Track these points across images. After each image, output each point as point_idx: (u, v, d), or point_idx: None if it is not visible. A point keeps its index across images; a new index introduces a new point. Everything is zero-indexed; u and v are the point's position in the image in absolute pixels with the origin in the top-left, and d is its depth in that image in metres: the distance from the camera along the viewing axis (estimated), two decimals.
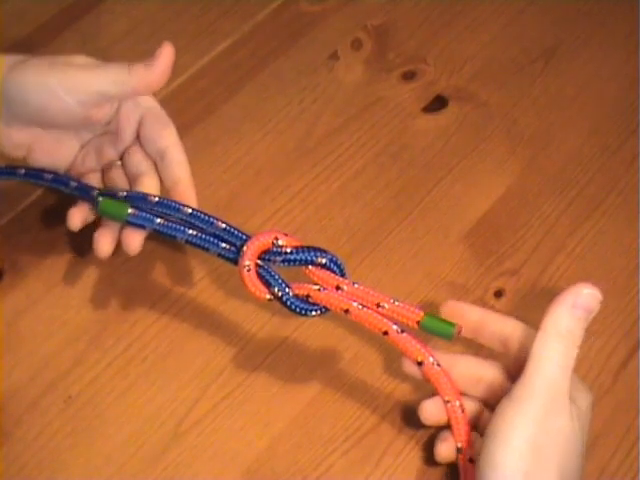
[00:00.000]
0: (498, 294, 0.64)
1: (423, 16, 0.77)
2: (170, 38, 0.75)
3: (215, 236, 0.55)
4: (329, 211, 0.67)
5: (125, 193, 0.57)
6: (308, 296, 0.54)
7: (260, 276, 0.54)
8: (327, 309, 0.54)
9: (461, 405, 0.53)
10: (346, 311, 0.53)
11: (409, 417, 0.58)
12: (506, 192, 0.68)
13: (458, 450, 0.53)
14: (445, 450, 0.54)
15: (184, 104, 0.71)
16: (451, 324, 0.53)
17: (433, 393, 0.55)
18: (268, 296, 0.54)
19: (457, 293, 0.63)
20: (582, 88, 0.74)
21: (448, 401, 0.53)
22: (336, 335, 0.61)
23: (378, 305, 0.53)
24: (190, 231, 0.56)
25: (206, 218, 0.55)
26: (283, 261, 0.54)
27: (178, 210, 0.56)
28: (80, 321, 0.62)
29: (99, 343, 0.61)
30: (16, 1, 0.76)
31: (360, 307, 0.53)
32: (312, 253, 0.54)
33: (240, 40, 0.76)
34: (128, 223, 0.56)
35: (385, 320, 0.53)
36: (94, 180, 0.60)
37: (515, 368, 0.52)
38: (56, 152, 0.59)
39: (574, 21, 0.77)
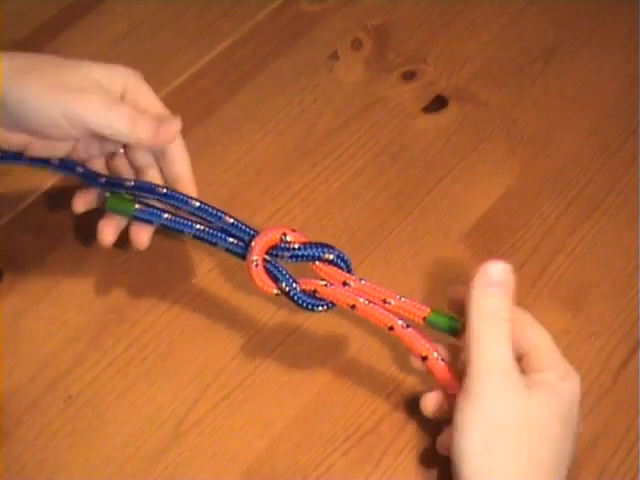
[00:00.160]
0: None
1: (423, 16, 0.77)
2: (170, 38, 0.75)
3: (223, 231, 0.55)
4: (329, 211, 0.67)
5: (132, 183, 0.57)
6: (315, 291, 0.54)
7: (268, 271, 0.54)
8: (334, 304, 0.54)
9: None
10: (352, 307, 0.54)
11: (409, 417, 0.58)
12: (506, 192, 0.68)
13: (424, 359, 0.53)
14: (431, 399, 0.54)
15: (184, 104, 0.71)
16: (457, 320, 0.53)
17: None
18: (275, 291, 0.55)
19: None
20: (582, 88, 0.74)
21: (451, 395, 0.54)
22: (336, 336, 0.62)
23: (384, 301, 0.53)
24: (197, 226, 0.56)
25: (214, 212, 0.55)
26: (291, 257, 0.54)
27: (186, 203, 0.56)
28: (80, 321, 0.62)
29: (99, 343, 0.61)
30: (16, 1, 0.76)
31: (366, 303, 0.53)
32: (319, 249, 0.54)
33: (240, 40, 0.76)
34: (135, 218, 0.56)
35: (391, 315, 0.53)
36: (98, 166, 0.60)
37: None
38: (53, 147, 0.58)
39: (574, 21, 0.77)
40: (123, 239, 0.59)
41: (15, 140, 0.57)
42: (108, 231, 0.58)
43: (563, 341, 0.62)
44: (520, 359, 0.51)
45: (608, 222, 0.67)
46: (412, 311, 0.53)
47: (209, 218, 0.56)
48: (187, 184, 0.58)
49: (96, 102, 0.54)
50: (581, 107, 0.73)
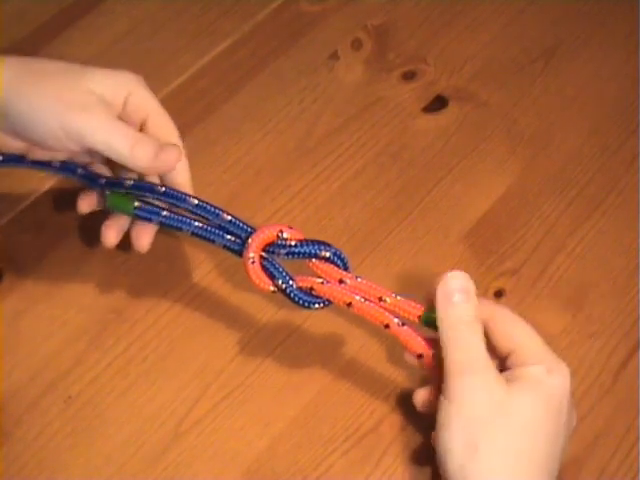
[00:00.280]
0: (498, 294, 0.64)
1: (423, 16, 0.77)
2: (170, 38, 0.75)
3: (221, 228, 0.56)
4: (329, 211, 0.67)
5: (132, 182, 0.57)
6: (311, 289, 0.54)
7: (264, 268, 0.55)
8: (330, 302, 0.54)
9: None
10: (349, 304, 0.54)
11: (409, 417, 0.58)
12: (506, 192, 0.68)
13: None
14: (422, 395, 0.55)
15: (184, 104, 0.71)
16: None
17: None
18: (272, 288, 0.55)
19: None
20: (582, 88, 0.74)
21: None
22: (336, 336, 0.62)
23: (380, 299, 0.54)
24: (196, 223, 0.56)
25: (212, 209, 0.56)
26: (287, 254, 0.54)
27: (184, 201, 0.56)
28: (80, 321, 0.62)
29: (99, 343, 0.61)
30: (16, 1, 0.76)
31: (362, 300, 0.53)
32: (316, 246, 0.54)
33: (240, 40, 0.76)
34: (135, 216, 0.57)
35: (387, 313, 0.53)
36: (102, 168, 0.60)
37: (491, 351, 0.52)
38: (54, 154, 0.58)
39: (574, 21, 0.77)
40: (123, 240, 0.59)
41: (15, 145, 0.57)
42: (111, 233, 0.58)
43: (563, 341, 0.62)
44: (507, 356, 0.52)
45: (608, 222, 0.67)
46: (407, 309, 0.53)
47: (207, 216, 0.56)
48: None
49: (97, 120, 0.54)
50: (581, 107, 0.73)
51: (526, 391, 0.50)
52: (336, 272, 0.54)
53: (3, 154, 0.58)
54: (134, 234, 0.58)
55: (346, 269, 0.54)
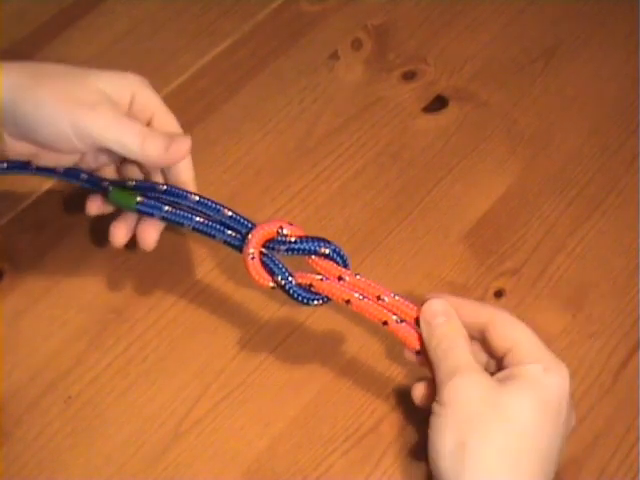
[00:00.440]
0: (498, 294, 0.64)
1: (423, 16, 0.77)
2: (170, 38, 0.75)
3: (221, 223, 0.56)
4: (329, 211, 0.67)
5: (134, 183, 0.58)
6: (311, 285, 0.54)
7: (264, 264, 0.55)
8: (329, 299, 0.55)
9: None
10: (347, 301, 0.54)
11: (409, 417, 0.58)
12: (506, 192, 0.68)
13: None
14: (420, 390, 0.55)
15: (184, 104, 0.71)
16: None
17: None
18: (271, 284, 0.55)
19: (457, 293, 0.62)
20: (582, 88, 0.74)
21: None
22: (336, 335, 0.62)
23: (378, 297, 0.54)
24: (197, 218, 0.56)
25: (213, 205, 0.56)
26: (287, 250, 0.54)
27: (186, 198, 0.57)
28: (80, 321, 0.62)
29: (99, 343, 0.61)
30: (16, 1, 0.76)
31: (361, 298, 0.53)
32: (316, 243, 0.54)
33: (240, 40, 0.76)
34: (137, 211, 0.57)
35: (385, 310, 0.53)
36: (109, 173, 0.61)
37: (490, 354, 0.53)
38: (60, 159, 0.59)
39: (574, 21, 0.77)
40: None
41: (21, 150, 0.57)
42: (120, 232, 0.58)
43: (563, 341, 0.62)
44: (504, 356, 0.51)
45: (608, 222, 0.67)
46: (404, 310, 0.53)
47: (208, 212, 0.56)
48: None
49: (106, 118, 0.54)
50: (581, 107, 0.73)
51: (521, 389, 0.50)
52: (335, 269, 0.54)
53: (8, 161, 0.58)
54: (140, 232, 0.58)
55: (345, 266, 0.55)
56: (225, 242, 0.56)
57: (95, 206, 0.59)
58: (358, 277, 0.54)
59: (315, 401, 0.59)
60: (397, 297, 0.54)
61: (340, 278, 0.54)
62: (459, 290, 0.63)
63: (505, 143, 0.71)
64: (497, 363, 0.53)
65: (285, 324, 0.62)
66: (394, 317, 0.53)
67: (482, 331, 0.52)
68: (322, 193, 0.68)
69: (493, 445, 0.48)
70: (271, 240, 0.55)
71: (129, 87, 0.57)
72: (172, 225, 0.58)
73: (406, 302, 0.54)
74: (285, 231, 0.54)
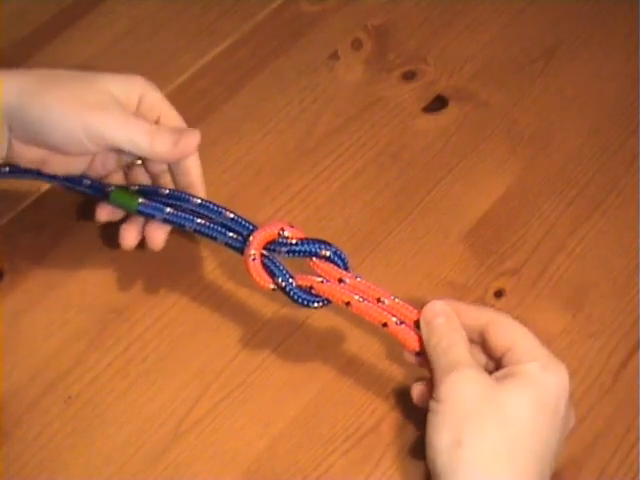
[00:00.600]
0: (498, 294, 0.64)
1: (423, 16, 0.77)
2: (170, 38, 0.75)
3: (223, 226, 0.56)
4: (329, 211, 0.67)
5: (137, 187, 0.59)
6: (311, 287, 0.54)
7: (265, 266, 0.55)
8: (329, 301, 0.55)
9: None
10: (347, 304, 0.54)
11: (409, 417, 0.58)
12: (506, 192, 0.68)
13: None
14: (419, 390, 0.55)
15: (184, 104, 0.70)
16: None
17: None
18: (272, 286, 0.55)
19: (457, 293, 0.63)
20: (582, 88, 0.74)
21: None
22: (336, 336, 0.62)
23: (378, 300, 0.54)
24: (199, 220, 0.57)
25: (215, 208, 0.57)
26: (288, 252, 0.54)
27: (188, 201, 0.57)
28: (80, 321, 0.62)
29: (99, 343, 0.61)
30: (16, 1, 0.76)
31: (361, 300, 0.54)
32: (317, 245, 0.54)
33: (240, 40, 0.76)
34: (139, 213, 0.57)
35: (384, 312, 0.54)
36: (117, 179, 0.61)
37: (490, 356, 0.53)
38: (69, 164, 0.59)
39: (574, 21, 0.77)
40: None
41: (29, 155, 0.57)
42: (130, 235, 0.59)
43: (563, 341, 0.62)
44: (502, 356, 0.52)
45: (608, 222, 0.67)
46: (404, 313, 0.54)
47: (210, 214, 0.57)
48: (198, 192, 0.59)
49: (114, 118, 0.55)
50: (581, 107, 0.73)
51: (519, 387, 0.50)
52: (336, 271, 0.54)
53: (11, 165, 0.59)
54: (148, 233, 0.59)
55: (346, 268, 0.55)
56: (226, 244, 0.56)
57: (105, 213, 0.60)
58: (358, 279, 0.54)
59: (315, 401, 0.59)
60: (397, 300, 0.54)
61: (340, 280, 0.54)
62: (459, 290, 0.63)
63: (505, 143, 0.71)
64: (496, 364, 0.53)
65: (285, 324, 0.62)
66: (394, 319, 0.53)
67: (481, 333, 0.53)
68: (322, 193, 0.68)
69: (489, 441, 0.48)
70: (272, 242, 0.55)
71: (136, 89, 0.57)
72: (174, 227, 0.58)
73: (406, 305, 0.54)
74: (286, 233, 0.54)
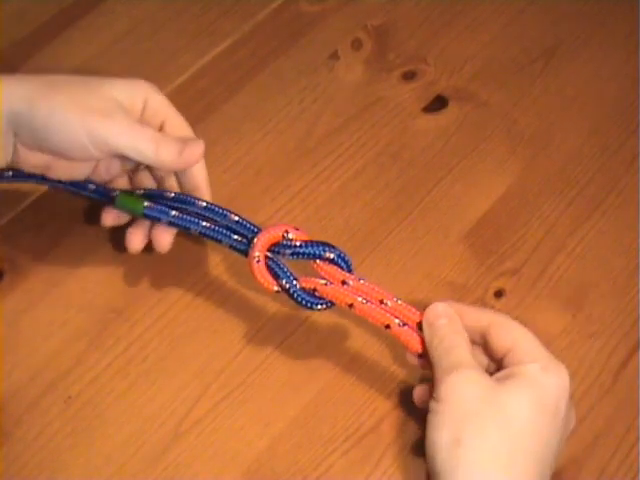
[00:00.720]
0: (498, 294, 0.64)
1: (423, 16, 0.77)
2: (170, 38, 0.75)
3: (228, 228, 0.57)
4: (329, 211, 0.67)
5: (142, 191, 0.59)
6: (315, 290, 0.55)
7: (269, 268, 0.55)
8: (333, 303, 0.55)
9: None
10: (350, 305, 0.54)
11: (409, 417, 0.58)
12: (506, 192, 0.68)
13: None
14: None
15: (184, 104, 0.70)
16: None
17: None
18: (276, 288, 0.55)
19: (457, 293, 0.63)
20: (582, 88, 0.74)
21: None
22: (337, 335, 0.62)
23: (381, 302, 0.54)
24: (204, 223, 0.57)
25: (220, 211, 0.57)
26: (292, 254, 0.55)
27: (193, 204, 0.57)
28: (80, 321, 0.62)
29: (99, 343, 0.61)
30: (16, 1, 0.76)
31: (364, 302, 0.54)
32: (320, 248, 0.54)
33: (240, 40, 0.76)
34: (145, 216, 0.58)
35: (387, 314, 0.54)
36: (122, 184, 0.61)
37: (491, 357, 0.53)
38: (73, 170, 0.59)
39: (574, 21, 0.77)
40: (122, 240, 0.60)
41: (34, 161, 0.57)
42: (136, 239, 0.59)
43: (563, 341, 0.62)
44: (503, 357, 0.52)
45: (608, 222, 0.67)
46: (406, 314, 0.54)
47: (215, 217, 0.57)
48: (203, 194, 0.60)
49: (120, 125, 0.55)
50: (581, 107, 0.73)
51: (519, 388, 0.50)
52: (339, 274, 0.55)
53: (15, 170, 0.59)
54: (155, 236, 0.59)
55: (349, 271, 0.55)
56: (231, 247, 0.57)
57: (110, 217, 0.60)
58: (362, 282, 0.55)
59: (315, 401, 0.59)
60: (400, 301, 0.54)
61: (344, 282, 0.54)
62: (459, 290, 0.64)
63: (505, 143, 0.71)
64: (497, 365, 0.53)
65: (285, 324, 0.62)
66: (396, 321, 0.54)
67: (483, 335, 0.53)
68: (322, 193, 0.68)
69: (488, 442, 0.48)
70: (276, 244, 0.55)
71: (141, 94, 0.57)
72: (179, 230, 0.58)
73: (408, 306, 0.54)
74: (290, 235, 0.55)
